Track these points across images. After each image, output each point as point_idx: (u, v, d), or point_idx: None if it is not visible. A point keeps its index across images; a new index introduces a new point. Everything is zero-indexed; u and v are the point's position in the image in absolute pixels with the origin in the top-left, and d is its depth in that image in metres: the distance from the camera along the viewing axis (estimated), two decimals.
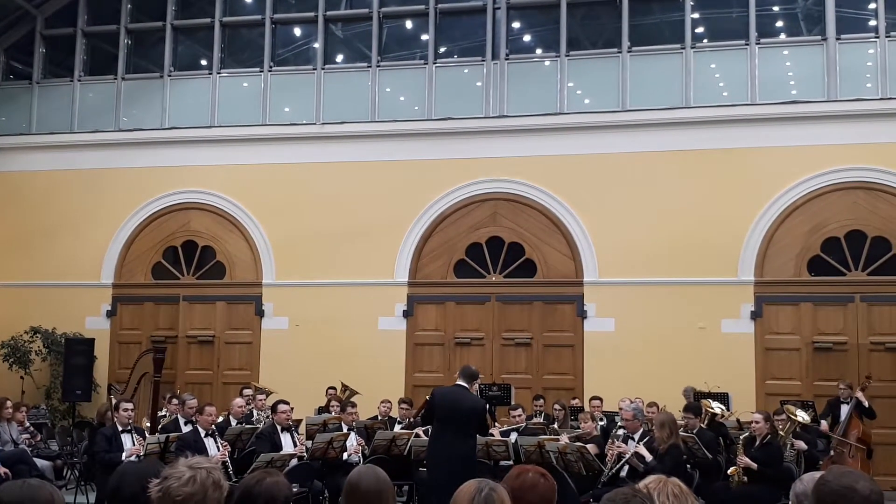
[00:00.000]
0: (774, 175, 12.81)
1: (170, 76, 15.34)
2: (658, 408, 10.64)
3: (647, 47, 13.80)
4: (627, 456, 8.59)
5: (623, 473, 8.60)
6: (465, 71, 14.68)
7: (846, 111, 12.75)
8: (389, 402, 11.64)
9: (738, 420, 11.10)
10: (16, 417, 10.88)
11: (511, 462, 9.13)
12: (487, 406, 8.65)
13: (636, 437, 8.79)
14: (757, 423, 8.95)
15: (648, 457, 8.34)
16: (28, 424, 11.19)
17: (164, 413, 10.81)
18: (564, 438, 9.25)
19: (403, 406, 11.34)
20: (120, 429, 8.92)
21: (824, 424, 10.96)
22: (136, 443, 8.77)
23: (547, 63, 14.31)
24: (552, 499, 3.26)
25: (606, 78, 13.85)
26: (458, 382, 8.30)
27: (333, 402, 11.56)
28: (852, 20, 13.31)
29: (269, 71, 14.94)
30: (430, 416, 8.56)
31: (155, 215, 14.93)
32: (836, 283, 12.68)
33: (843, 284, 12.66)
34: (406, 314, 13.84)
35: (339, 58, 15.31)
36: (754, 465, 8.64)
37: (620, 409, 10.44)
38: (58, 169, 15.21)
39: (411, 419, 10.93)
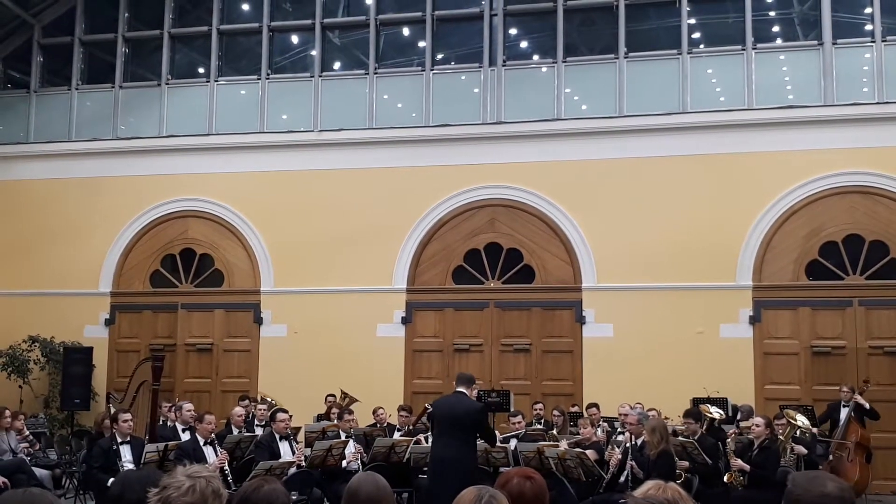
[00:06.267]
0: (772, 180, 12.83)
1: (167, 84, 15.35)
2: (658, 413, 10.64)
3: (643, 53, 13.82)
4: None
5: (623, 479, 8.60)
6: (463, 77, 14.70)
7: (843, 115, 12.77)
8: (383, 409, 11.61)
9: (737, 425, 11.09)
10: (14, 426, 10.87)
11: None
12: (486, 408, 8.54)
13: (638, 442, 8.79)
14: (757, 426, 8.96)
15: None
16: (27, 433, 11.16)
17: (163, 421, 10.80)
18: (564, 444, 9.25)
19: (403, 413, 11.33)
20: (119, 440, 8.88)
21: (822, 427, 10.96)
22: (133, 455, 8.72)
23: (544, 69, 14.32)
24: (543, 498, 3.25)
25: (603, 84, 13.86)
26: (457, 389, 8.30)
27: (334, 410, 11.55)
28: (848, 25, 13.34)
29: (267, 78, 14.96)
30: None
31: (153, 223, 14.93)
32: (834, 288, 12.68)
33: (841, 288, 12.67)
34: (405, 321, 13.83)
35: (337, 65, 15.32)
36: (747, 467, 8.64)
37: (620, 414, 10.45)
38: (55, 177, 15.21)
39: (410, 426, 10.92)
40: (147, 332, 14.76)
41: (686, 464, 8.78)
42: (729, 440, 9.26)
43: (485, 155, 13.87)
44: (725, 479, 8.90)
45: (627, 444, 8.88)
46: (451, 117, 14.16)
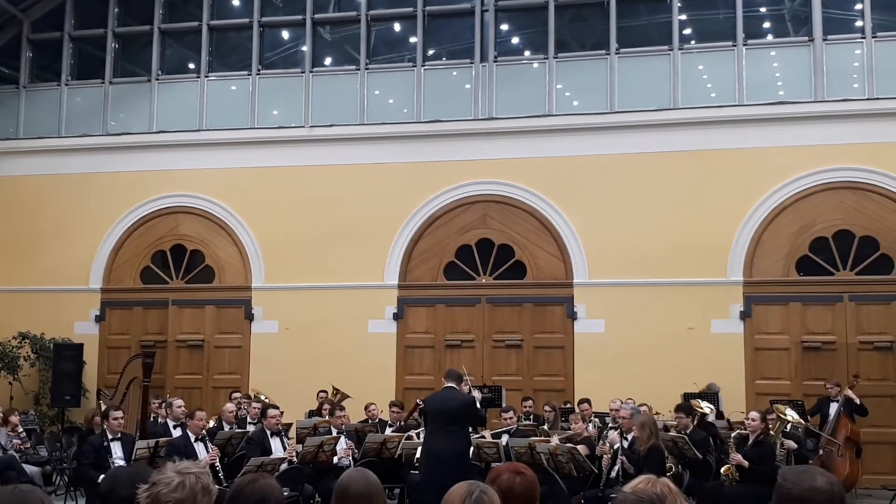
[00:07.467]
0: (762, 175, 12.86)
1: (157, 80, 15.30)
2: (649, 409, 10.66)
3: (634, 49, 13.84)
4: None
5: (613, 474, 8.62)
6: (454, 73, 14.69)
7: (833, 111, 12.80)
8: (374, 405, 11.61)
9: (727, 420, 11.14)
10: (11, 422, 10.83)
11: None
12: (476, 401, 8.68)
13: (629, 437, 8.81)
14: (753, 420, 8.98)
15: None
16: (21, 430, 11.13)
17: (154, 418, 10.77)
18: (555, 440, 9.26)
19: (394, 409, 11.33)
20: (110, 437, 8.86)
21: (811, 420, 11.01)
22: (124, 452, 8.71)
23: (535, 65, 14.33)
24: (534, 493, 3.25)
25: (595, 79, 13.87)
26: (446, 385, 8.38)
27: (325, 406, 11.54)
28: (839, 21, 13.37)
29: (258, 74, 14.92)
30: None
31: (143, 219, 14.88)
32: (824, 283, 12.73)
33: (831, 284, 12.71)
34: (396, 317, 13.83)
35: (328, 61, 15.29)
36: (746, 463, 8.67)
37: (611, 409, 10.47)
38: (45, 173, 15.15)
39: (402, 422, 10.93)
40: (138, 329, 14.72)
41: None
42: (731, 437, 9.28)
43: (476, 151, 13.86)
44: (722, 471, 8.92)
45: (617, 442, 8.89)
46: (442, 113, 14.15)
